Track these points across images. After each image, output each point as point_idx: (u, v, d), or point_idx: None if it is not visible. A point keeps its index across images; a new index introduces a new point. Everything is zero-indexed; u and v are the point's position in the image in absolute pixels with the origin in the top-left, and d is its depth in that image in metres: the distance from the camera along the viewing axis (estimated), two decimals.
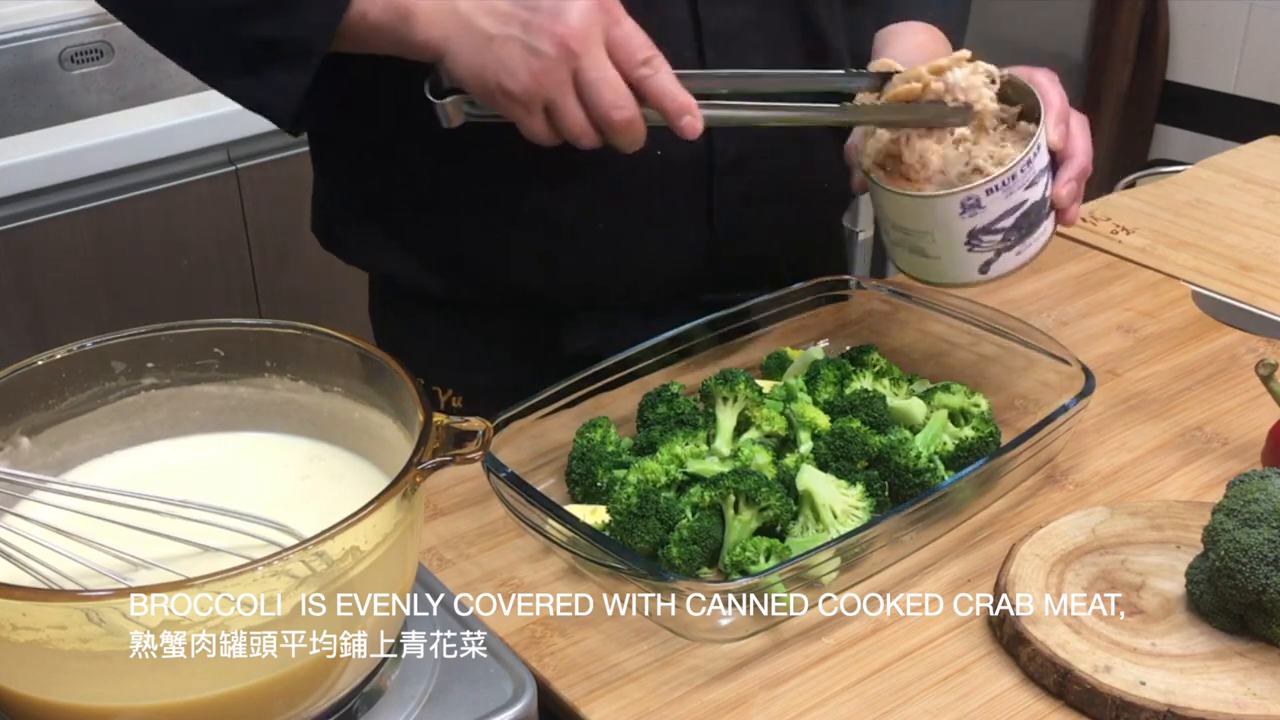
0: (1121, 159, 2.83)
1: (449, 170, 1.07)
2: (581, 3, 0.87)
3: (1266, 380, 0.96)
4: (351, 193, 1.15)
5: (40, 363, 0.77)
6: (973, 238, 0.96)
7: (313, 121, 1.02)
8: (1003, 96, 0.99)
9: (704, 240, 1.10)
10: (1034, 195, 0.96)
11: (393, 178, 1.11)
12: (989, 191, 0.94)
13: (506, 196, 1.07)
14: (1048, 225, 0.99)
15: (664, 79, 0.90)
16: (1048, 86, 0.99)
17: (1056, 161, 0.99)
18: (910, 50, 1.08)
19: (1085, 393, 0.96)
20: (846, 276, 1.13)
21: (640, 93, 0.89)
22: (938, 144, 0.97)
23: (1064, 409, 0.94)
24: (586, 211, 1.07)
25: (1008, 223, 0.95)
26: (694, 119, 0.90)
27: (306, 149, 1.18)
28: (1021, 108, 0.99)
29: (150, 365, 0.81)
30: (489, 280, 1.11)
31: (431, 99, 0.91)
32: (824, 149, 1.12)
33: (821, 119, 0.99)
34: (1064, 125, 0.98)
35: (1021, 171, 0.94)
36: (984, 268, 0.98)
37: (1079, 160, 0.99)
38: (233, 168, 1.83)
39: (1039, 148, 0.95)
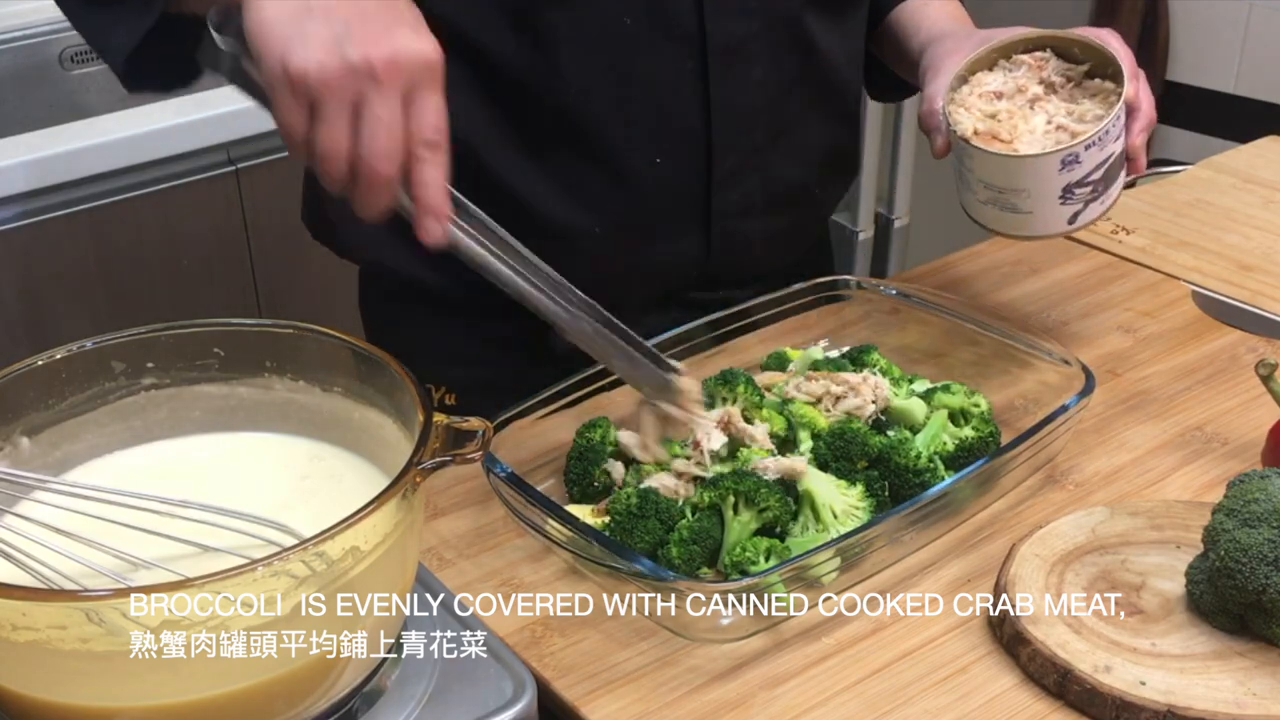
0: None
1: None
2: (419, 44, 0.79)
3: (1266, 380, 0.96)
4: None
5: (40, 363, 0.77)
6: (1066, 191, 1.00)
7: (152, 81, 0.94)
8: (1069, 56, 1.04)
9: (700, 248, 1.10)
10: (1119, 147, 1.00)
11: None
12: (1087, 147, 0.98)
13: (504, 199, 1.07)
14: (1121, 179, 1.03)
15: (437, 171, 0.81)
16: (1117, 45, 1.02)
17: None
18: (940, 20, 1.11)
19: (1085, 393, 0.96)
20: (847, 276, 1.13)
21: (407, 170, 0.80)
22: (1031, 110, 1.02)
23: (1064, 409, 0.94)
24: (584, 217, 1.07)
25: (1097, 175, 0.99)
26: (439, 225, 0.82)
27: None
28: (1090, 65, 1.04)
29: (150, 365, 0.81)
30: (481, 278, 1.11)
31: (212, 30, 0.82)
32: (816, 157, 1.12)
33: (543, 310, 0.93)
34: (1134, 81, 1.01)
35: (1114, 125, 0.98)
36: (1072, 219, 1.02)
37: (1146, 112, 1.02)
38: (233, 168, 1.83)
39: (1124, 104, 0.99)
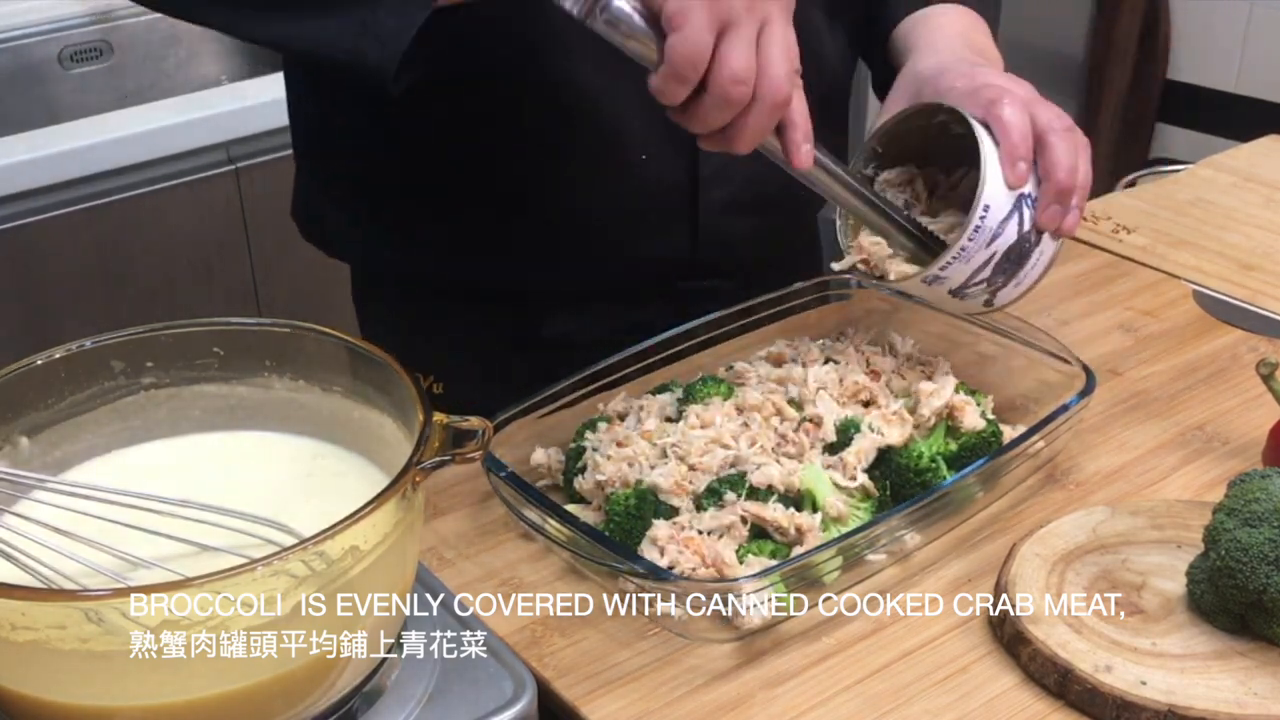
0: (1122, 158, 2.83)
1: (431, 161, 1.07)
2: None
3: (1267, 379, 0.96)
4: (332, 176, 1.15)
5: (40, 363, 0.77)
6: (955, 294, 0.96)
7: (411, 78, 0.89)
8: (950, 150, 0.97)
9: (687, 243, 1.11)
10: (1004, 244, 0.93)
11: (375, 164, 1.11)
12: (943, 268, 0.93)
13: (492, 194, 1.07)
14: (1043, 250, 0.96)
15: (804, 99, 0.85)
16: (1006, 119, 0.92)
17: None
18: (940, 41, 1.05)
19: (1086, 392, 0.96)
20: (846, 276, 1.13)
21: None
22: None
23: (1065, 408, 0.94)
24: (572, 210, 1.07)
25: (985, 274, 0.94)
26: (811, 149, 0.86)
27: None
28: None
29: (150, 365, 0.81)
30: (461, 270, 1.11)
31: None
32: None
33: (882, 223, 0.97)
34: (1023, 162, 0.92)
35: (970, 241, 0.91)
36: (986, 304, 0.98)
37: (1055, 182, 0.93)
38: (233, 167, 1.83)
39: (986, 208, 0.91)
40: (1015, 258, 0.94)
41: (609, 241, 1.10)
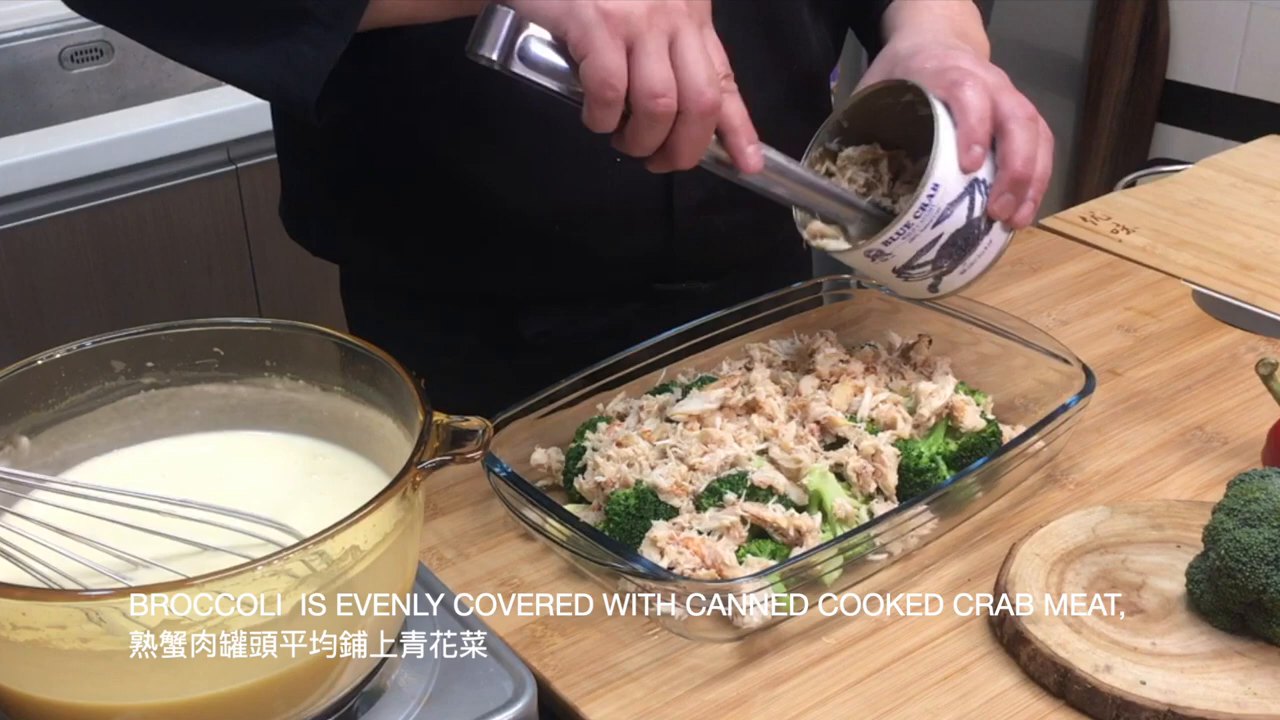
0: (1122, 158, 2.83)
1: (405, 165, 1.07)
2: None
3: (1267, 379, 0.96)
4: (313, 179, 1.15)
5: (40, 362, 0.77)
6: (899, 273, 0.95)
7: (340, 108, 0.91)
8: (921, 136, 0.95)
9: (662, 242, 1.11)
10: (952, 226, 0.92)
11: (352, 167, 1.11)
12: (886, 243, 0.92)
13: (467, 190, 1.07)
14: (992, 239, 0.95)
15: (739, 101, 0.84)
16: (967, 101, 0.91)
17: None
18: (926, 22, 1.04)
19: (1086, 392, 0.96)
20: (846, 276, 1.13)
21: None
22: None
23: (1064, 408, 0.94)
24: (547, 210, 1.07)
25: (930, 255, 0.93)
26: (758, 151, 0.86)
27: None
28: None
29: (150, 365, 0.81)
30: (442, 273, 1.12)
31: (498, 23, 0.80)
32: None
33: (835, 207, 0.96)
34: (979, 146, 0.91)
35: (915, 218, 0.91)
36: (931, 288, 0.97)
37: (1010, 170, 0.91)
38: (233, 167, 1.83)
39: (935, 186, 0.90)
40: (962, 243, 0.93)
41: (585, 243, 1.09)
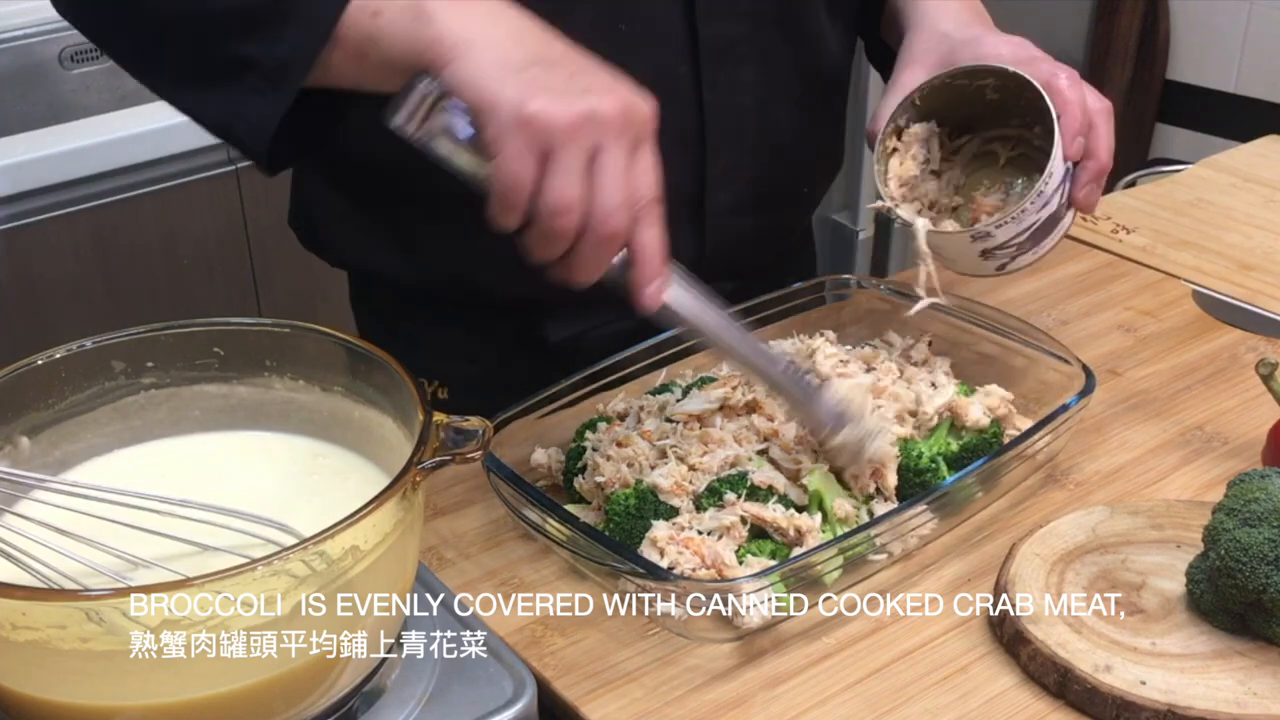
0: (1122, 158, 2.82)
1: (427, 171, 1.07)
2: (642, 98, 0.78)
3: (1267, 379, 0.96)
4: (328, 186, 1.15)
5: (40, 362, 0.77)
6: (986, 254, 0.98)
7: (290, 155, 0.89)
8: (1010, 98, 0.99)
9: (695, 245, 1.10)
10: (1047, 212, 0.96)
11: (373, 174, 1.10)
12: (999, 225, 0.95)
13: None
14: (1065, 223, 1.00)
15: (658, 231, 0.79)
16: (1067, 94, 0.95)
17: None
18: (938, 17, 1.05)
19: (1086, 392, 0.96)
20: (846, 276, 1.13)
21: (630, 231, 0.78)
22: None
23: (1064, 408, 0.94)
24: None
25: (1023, 238, 0.97)
26: (660, 290, 0.81)
27: None
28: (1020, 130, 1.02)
29: (150, 365, 0.81)
30: (465, 280, 1.11)
31: (414, 90, 0.77)
32: (807, 155, 1.12)
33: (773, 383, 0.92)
34: (1082, 137, 0.96)
35: (1031, 204, 0.95)
36: (1001, 268, 1.00)
37: (1099, 161, 0.98)
38: (233, 167, 1.83)
39: (1050, 174, 0.94)
40: (1048, 227, 0.98)
41: None
